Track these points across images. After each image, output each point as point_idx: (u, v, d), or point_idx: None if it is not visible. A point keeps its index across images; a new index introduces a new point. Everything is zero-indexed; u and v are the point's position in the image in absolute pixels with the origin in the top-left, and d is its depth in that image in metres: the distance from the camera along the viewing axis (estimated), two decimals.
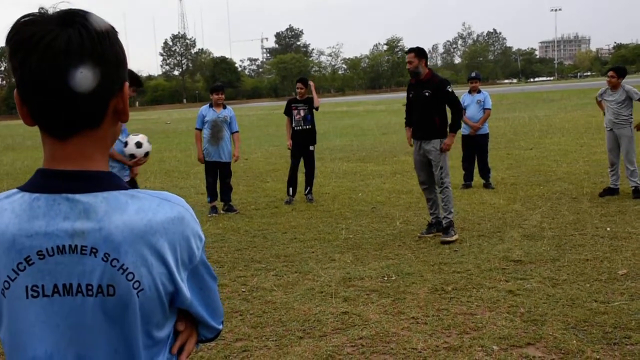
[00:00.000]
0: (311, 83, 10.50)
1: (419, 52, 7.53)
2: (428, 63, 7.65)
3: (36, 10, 1.18)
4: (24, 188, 1.22)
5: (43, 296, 1.18)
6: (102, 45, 1.17)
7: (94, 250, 1.17)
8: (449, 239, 7.22)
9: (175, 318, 1.34)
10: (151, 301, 1.22)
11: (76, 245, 1.17)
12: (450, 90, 7.49)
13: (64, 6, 1.19)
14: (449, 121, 7.53)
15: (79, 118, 1.18)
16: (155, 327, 1.26)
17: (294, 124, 10.25)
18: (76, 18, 1.16)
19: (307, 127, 10.20)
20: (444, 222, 7.45)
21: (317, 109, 10.25)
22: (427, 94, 7.40)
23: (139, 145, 6.44)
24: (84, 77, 1.14)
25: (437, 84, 7.46)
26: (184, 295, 1.29)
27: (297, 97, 10.30)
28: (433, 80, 7.50)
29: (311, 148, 10.29)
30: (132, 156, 6.46)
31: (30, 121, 1.21)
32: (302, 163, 10.32)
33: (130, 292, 1.18)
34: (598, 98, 9.60)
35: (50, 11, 1.18)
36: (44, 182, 1.21)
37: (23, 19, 1.16)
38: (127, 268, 1.18)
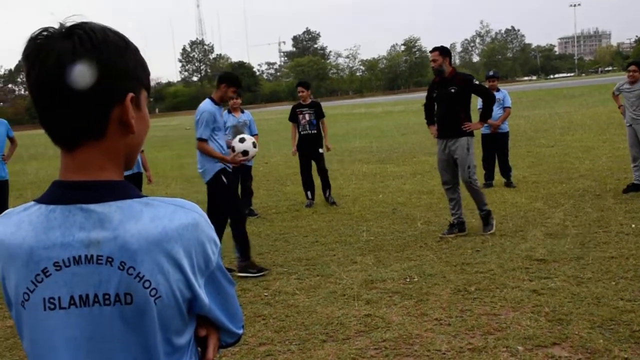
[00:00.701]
0: (323, 126, 10.37)
1: (443, 51, 7.59)
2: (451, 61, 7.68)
3: (51, 25, 1.20)
4: (40, 200, 1.24)
5: (60, 308, 1.19)
6: (100, 55, 1.17)
7: (109, 260, 1.17)
8: (490, 230, 7.44)
9: (194, 324, 1.34)
10: (169, 308, 1.22)
11: (92, 255, 1.18)
12: (477, 82, 7.61)
13: (78, 19, 1.21)
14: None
15: (78, 128, 1.20)
16: (175, 334, 1.26)
17: (300, 129, 10.19)
18: (77, 30, 1.18)
19: (313, 131, 10.11)
20: (481, 214, 7.58)
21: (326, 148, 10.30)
22: (452, 90, 7.44)
23: (242, 140, 6.85)
24: (75, 86, 1.16)
25: (462, 80, 7.53)
26: (202, 301, 1.29)
27: (301, 101, 10.18)
28: (458, 77, 7.56)
29: (320, 151, 10.21)
30: (246, 153, 6.83)
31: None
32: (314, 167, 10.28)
33: (147, 299, 1.19)
34: (615, 92, 9.47)
35: (66, 25, 1.20)
36: (59, 193, 1.22)
37: (33, 34, 1.19)
38: (143, 276, 1.18)
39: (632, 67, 9.09)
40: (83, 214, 1.19)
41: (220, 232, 6.53)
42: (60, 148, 1.23)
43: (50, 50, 1.16)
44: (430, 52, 7.77)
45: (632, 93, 8.99)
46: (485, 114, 7.74)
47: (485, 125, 10.52)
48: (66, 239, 1.18)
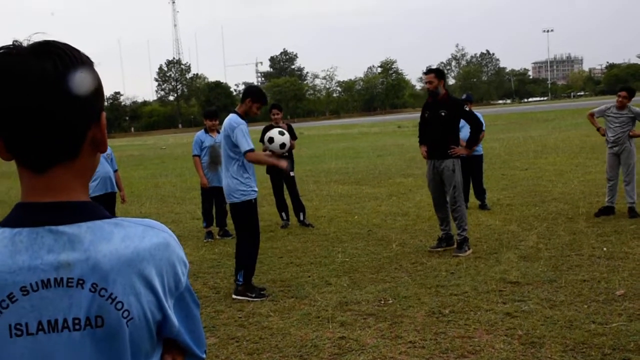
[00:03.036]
0: (292, 143, 10.01)
1: (439, 73, 7.82)
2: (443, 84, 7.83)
3: (10, 43, 1.17)
4: (3, 224, 1.19)
5: (27, 334, 1.14)
6: (78, 76, 1.16)
7: (80, 282, 1.14)
8: (461, 254, 7.50)
9: (161, 349, 1.31)
10: (140, 330, 1.20)
11: (62, 278, 1.14)
12: (467, 109, 7.77)
13: (39, 38, 1.18)
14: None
15: (55, 149, 1.17)
16: (144, 357, 1.23)
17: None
18: (51, 48, 1.16)
19: (285, 153, 10.03)
20: (457, 238, 7.71)
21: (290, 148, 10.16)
22: (442, 114, 7.60)
23: (270, 140, 6.81)
24: (59, 108, 1.14)
25: (453, 104, 7.71)
26: (172, 324, 1.26)
27: (273, 123, 10.07)
28: (449, 100, 7.71)
29: (292, 174, 10.18)
30: (283, 145, 6.85)
31: (6, 155, 1.19)
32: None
33: (119, 321, 1.16)
34: (597, 115, 9.51)
35: (25, 43, 1.17)
36: (25, 215, 1.18)
37: None
38: (115, 297, 1.16)
39: (623, 93, 9.07)
40: (52, 236, 1.16)
41: (256, 253, 6.51)
42: (29, 169, 1.19)
43: (27, 69, 1.12)
44: (425, 73, 7.91)
45: (618, 119, 9.09)
46: (472, 140, 7.91)
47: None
48: (34, 262, 1.14)
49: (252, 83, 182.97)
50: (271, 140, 6.83)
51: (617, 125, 9.09)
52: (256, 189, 6.38)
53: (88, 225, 1.18)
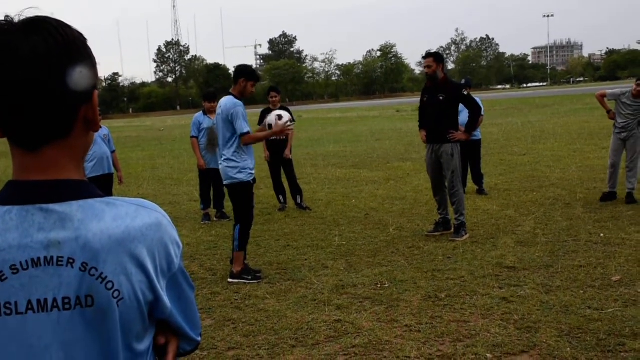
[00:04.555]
0: (290, 134, 10.00)
1: (437, 57, 7.78)
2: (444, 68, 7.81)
3: (1, 19, 1.15)
4: None
5: (17, 314, 1.13)
6: (70, 52, 1.14)
7: (70, 261, 1.13)
8: (458, 239, 7.51)
9: (154, 330, 1.30)
10: (131, 311, 1.18)
11: (52, 257, 1.13)
12: (465, 93, 7.70)
13: (31, 13, 1.16)
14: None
15: (47, 128, 1.15)
16: (136, 339, 1.22)
17: None
18: (42, 25, 1.14)
19: (283, 137, 9.99)
20: (455, 223, 7.71)
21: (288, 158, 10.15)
22: (441, 98, 7.59)
23: (279, 117, 6.66)
24: (50, 85, 1.12)
25: (452, 89, 7.68)
26: (164, 305, 1.25)
27: (271, 106, 9.95)
28: (448, 84, 7.67)
29: (290, 157, 10.17)
30: (271, 127, 6.65)
31: None
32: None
33: (110, 301, 1.15)
34: (609, 97, 9.39)
35: (16, 19, 1.15)
36: (16, 193, 1.17)
37: None
38: (106, 277, 1.14)
39: None
40: (42, 214, 1.14)
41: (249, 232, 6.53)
42: (21, 147, 1.18)
43: (16, 47, 1.10)
44: (424, 57, 7.87)
45: (631, 106, 9.02)
46: (471, 125, 7.85)
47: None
48: (24, 240, 1.13)
49: (252, 66, 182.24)
50: (270, 126, 6.75)
51: (630, 112, 9.02)
52: (253, 171, 6.36)
53: (79, 204, 1.16)
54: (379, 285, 5.93)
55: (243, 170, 6.26)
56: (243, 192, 6.33)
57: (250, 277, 6.31)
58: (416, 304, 5.37)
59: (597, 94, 9.71)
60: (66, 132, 1.18)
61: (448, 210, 7.94)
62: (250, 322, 5.15)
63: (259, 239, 8.18)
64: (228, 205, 10.20)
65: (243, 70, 6.47)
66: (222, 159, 6.34)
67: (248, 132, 6.19)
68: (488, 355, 4.28)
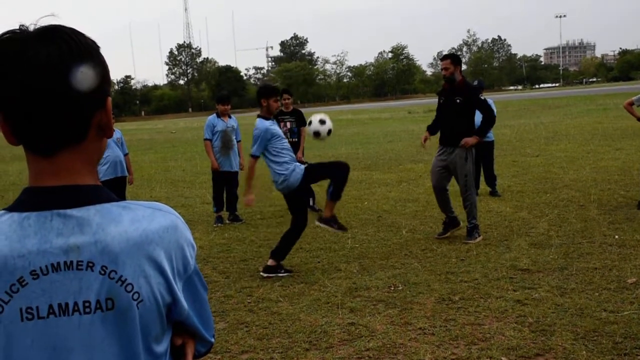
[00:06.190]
0: (302, 136, 10.16)
1: (455, 59, 7.63)
2: (459, 70, 7.70)
3: (16, 27, 1.17)
4: (11, 208, 1.19)
5: (38, 318, 1.14)
6: (83, 60, 1.16)
7: (90, 265, 1.15)
8: (472, 241, 7.46)
9: (171, 332, 1.32)
10: (150, 313, 1.20)
11: (71, 261, 1.14)
12: (482, 98, 7.61)
13: (46, 22, 1.18)
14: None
15: (62, 134, 1.17)
16: (155, 340, 1.24)
17: None
18: (56, 33, 1.16)
19: (294, 139, 9.98)
20: (468, 226, 7.66)
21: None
22: (458, 100, 7.48)
23: (322, 122, 6.96)
24: (64, 92, 1.13)
25: (469, 92, 7.55)
26: (181, 306, 1.27)
27: (283, 108, 9.99)
28: (465, 87, 7.56)
29: (303, 159, 10.14)
30: (317, 134, 6.98)
31: (13, 140, 1.19)
32: None
33: (130, 303, 1.17)
34: (636, 103, 9.20)
35: (31, 28, 1.17)
36: (33, 199, 1.18)
37: (2, 36, 1.16)
38: (125, 279, 1.16)
39: None
40: (60, 219, 1.16)
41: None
42: (36, 154, 1.19)
43: (32, 55, 1.12)
44: (441, 59, 7.78)
45: None
46: (482, 131, 7.67)
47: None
48: (43, 245, 1.14)
49: (262, 68, 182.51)
50: (317, 134, 7.21)
51: None
52: (298, 171, 6.59)
53: (96, 208, 1.18)
54: (392, 288, 5.92)
55: (292, 174, 6.56)
56: (293, 196, 6.69)
57: (282, 271, 6.59)
58: (430, 306, 5.35)
59: (625, 104, 9.53)
60: (81, 138, 1.20)
61: (451, 206, 7.82)
62: (264, 325, 5.15)
63: (272, 241, 8.17)
64: (241, 208, 10.24)
65: (260, 92, 6.91)
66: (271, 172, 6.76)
67: (253, 156, 6.68)
68: (503, 358, 4.25)
